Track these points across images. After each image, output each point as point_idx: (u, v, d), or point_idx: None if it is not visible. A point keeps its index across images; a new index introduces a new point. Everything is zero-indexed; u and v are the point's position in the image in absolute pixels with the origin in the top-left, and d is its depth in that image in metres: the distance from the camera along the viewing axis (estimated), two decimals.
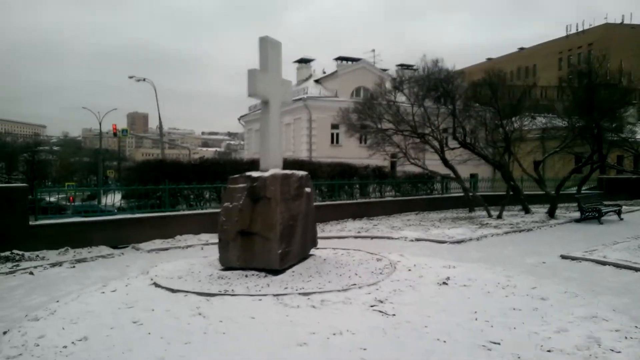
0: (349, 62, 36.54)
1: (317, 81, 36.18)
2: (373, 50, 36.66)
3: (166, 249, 11.12)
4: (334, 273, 7.65)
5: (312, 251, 9.06)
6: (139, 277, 7.78)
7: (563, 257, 9.77)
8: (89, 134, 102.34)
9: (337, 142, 34.20)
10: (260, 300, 6.20)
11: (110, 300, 6.35)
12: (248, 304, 6.05)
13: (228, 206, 7.94)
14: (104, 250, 10.81)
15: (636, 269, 8.40)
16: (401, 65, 39.86)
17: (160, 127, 39.75)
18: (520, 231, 13.50)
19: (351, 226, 14.34)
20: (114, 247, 11.21)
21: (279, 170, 8.00)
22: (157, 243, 11.65)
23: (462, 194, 19.75)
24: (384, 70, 36.44)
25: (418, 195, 19.65)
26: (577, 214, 16.91)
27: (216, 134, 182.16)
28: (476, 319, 5.40)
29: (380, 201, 18.06)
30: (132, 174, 14.76)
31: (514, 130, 16.26)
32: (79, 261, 9.81)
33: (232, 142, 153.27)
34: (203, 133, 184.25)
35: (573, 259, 9.56)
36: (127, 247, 11.39)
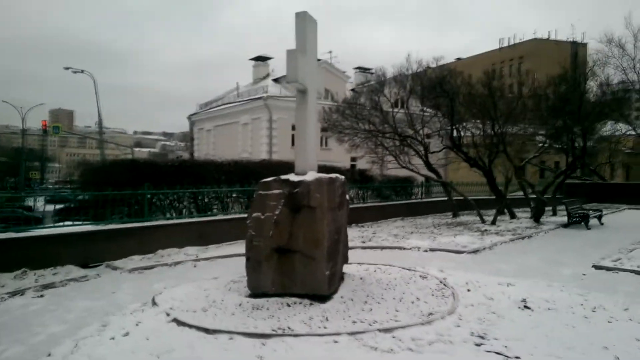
0: None
1: (276, 80, 34.63)
2: (330, 52, 35.65)
3: (150, 268, 9.28)
4: (389, 297, 6.41)
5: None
6: (147, 310, 6.07)
7: (596, 267, 9.18)
8: (6, 130, 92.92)
9: None
10: (336, 342, 4.82)
11: (130, 350, 4.68)
12: (323, 349, 4.67)
13: (259, 217, 6.45)
14: (73, 271, 8.80)
15: None
16: (359, 68, 39.35)
17: (100, 124, 36.30)
18: (522, 238, 12.97)
19: (349, 235, 13.08)
20: (84, 266, 9.20)
21: (322, 174, 6.63)
22: (137, 260, 9.76)
23: (443, 199, 19.22)
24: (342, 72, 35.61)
25: (399, 200, 18.82)
26: (558, 219, 16.88)
27: (150, 133, 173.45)
28: (619, 358, 4.41)
29: (364, 207, 17.00)
30: (95, 176, 12.53)
31: (505, 135, 15.85)
32: (45, 287, 7.79)
33: (167, 143, 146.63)
34: (136, 132, 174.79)
35: (608, 269, 8.99)
36: (99, 265, 9.42)
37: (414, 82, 16.74)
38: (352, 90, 36.00)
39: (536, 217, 16.18)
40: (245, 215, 12.48)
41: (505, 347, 4.71)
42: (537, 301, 6.32)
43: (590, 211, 15.70)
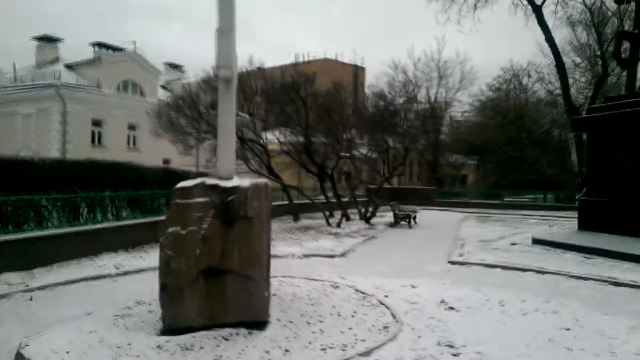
0: (111, 51, 31.17)
1: (69, 67, 29.44)
2: (134, 42, 31.88)
3: (43, 287, 6.59)
4: (326, 314, 5.88)
5: None
6: None
7: (451, 263, 10.31)
8: None
9: (100, 142, 28.66)
10: None
11: None
12: None
13: (178, 233, 5.13)
14: None
15: (522, 269, 9.47)
16: (170, 64, 36.73)
17: None
18: (370, 239, 13.85)
19: None
20: None
21: (251, 179, 5.67)
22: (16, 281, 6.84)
23: (280, 203, 19.20)
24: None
25: None
26: (381, 220, 18.65)
27: None
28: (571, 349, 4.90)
29: None
30: None
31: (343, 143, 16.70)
32: None
33: None
34: None
35: (461, 264, 10.19)
36: None
37: (265, 83, 16.25)
38: (163, 86, 33.33)
39: (367, 219, 17.53)
40: (77, 228, 10.08)
41: (479, 352, 4.74)
42: (452, 301, 6.62)
43: (410, 212, 17.77)
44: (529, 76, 39.40)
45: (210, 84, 16.22)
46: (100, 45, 31.26)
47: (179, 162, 24.69)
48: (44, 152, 26.49)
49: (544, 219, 20.97)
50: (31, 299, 7.06)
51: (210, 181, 5.37)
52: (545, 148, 39.08)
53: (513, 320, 5.89)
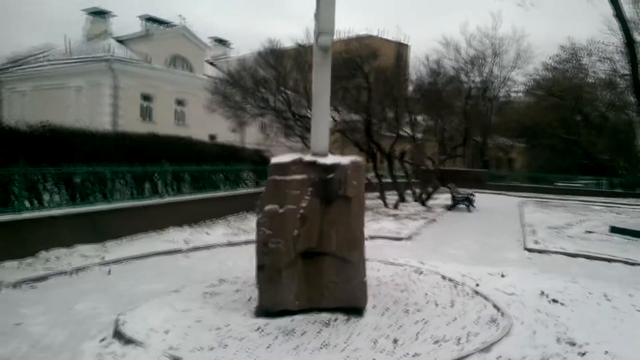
0: (160, 25, 31.23)
1: (120, 41, 29.69)
2: (181, 16, 31.74)
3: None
4: (421, 302, 5.52)
5: None
6: (128, 353, 3.99)
7: (529, 250, 9.70)
8: None
9: (150, 117, 28.95)
10: None
11: None
12: None
13: (275, 211, 4.82)
14: None
15: (608, 260, 8.78)
16: (216, 39, 36.59)
17: None
18: (431, 221, 13.36)
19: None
20: None
21: (348, 157, 5.30)
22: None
23: None
24: None
25: None
26: (437, 202, 18.05)
27: None
28: None
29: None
30: None
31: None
32: None
33: None
34: None
35: (540, 252, 9.55)
36: None
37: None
38: (210, 62, 33.32)
39: (423, 201, 16.98)
40: (145, 202, 10.02)
41: (607, 352, 4.27)
42: (552, 293, 6.08)
43: (469, 195, 17.03)
44: (590, 55, 36.99)
45: (266, 58, 15.87)
46: (149, 19, 31.34)
47: (225, 138, 24.69)
48: (95, 125, 27.06)
49: (607, 206, 19.85)
50: (109, 273, 7.02)
51: (307, 157, 5.03)
52: (601, 132, 37.02)
53: (629, 317, 5.35)
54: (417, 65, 22.19)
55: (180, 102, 30.18)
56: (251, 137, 27.72)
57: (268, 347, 4.13)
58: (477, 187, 26.06)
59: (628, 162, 31.78)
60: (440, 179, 20.44)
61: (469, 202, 16.55)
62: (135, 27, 31.75)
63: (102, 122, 27.16)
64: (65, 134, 10.48)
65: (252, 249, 8.67)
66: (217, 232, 10.28)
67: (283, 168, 4.91)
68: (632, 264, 8.44)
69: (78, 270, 7.02)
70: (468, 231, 12.07)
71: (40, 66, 30.65)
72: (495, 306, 5.37)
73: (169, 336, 4.26)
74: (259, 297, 4.91)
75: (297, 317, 4.75)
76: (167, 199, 10.75)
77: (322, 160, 4.99)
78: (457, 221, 13.90)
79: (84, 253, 7.78)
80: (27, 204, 7.90)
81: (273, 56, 16.48)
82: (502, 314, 5.11)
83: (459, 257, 8.65)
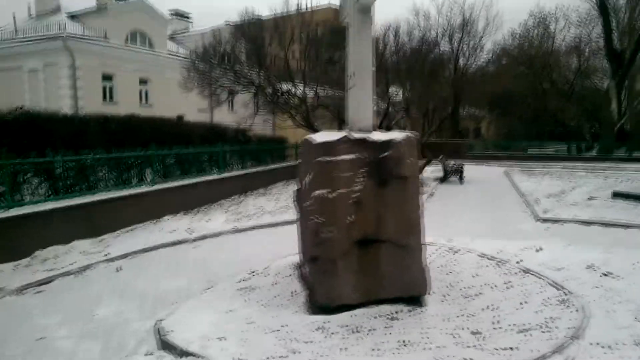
0: None
1: (73, 16, 27.56)
2: None
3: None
4: (476, 284, 5.16)
5: None
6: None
7: (543, 220, 9.53)
8: None
9: (112, 98, 27.28)
10: None
11: None
12: None
13: (326, 196, 4.30)
14: None
15: (624, 226, 8.72)
16: (176, 12, 34.70)
17: None
18: (430, 195, 13.15)
19: (273, 207, 11.00)
20: None
21: (399, 132, 4.79)
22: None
23: None
24: None
25: (276, 164, 16.89)
26: (426, 175, 17.82)
27: None
28: None
29: (253, 172, 14.62)
30: None
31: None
32: None
33: None
34: None
35: (554, 221, 9.37)
36: None
37: (302, 28, 14.83)
38: (171, 37, 31.60)
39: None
40: (137, 190, 9.15)
41: None
42: (600, 266, 5.80)
43: (459, 167, 16.83)
44: (557, 21, 37.43)
45: (245, 31, 14.93)
46: None
47: (193, 119, 23.64)
48: (53, 109, 25.26)
49: (591, 172, 20.09)
50: (118, 270, 6.33)
51: (355, 135, 4.49)
52: (569, 99, 37.82)
53: None
54: (389, 34, 21.63)
55: (143, 81, 28.57)
56: (221, 116, 26.53)
57: (344, 350, 3.67)
58: (457, 157, 26.13)
59: (603, 127, 32.57)
60: (420, 151, 20.21)
61: (460, 174, 16.41)
62: (90, 1, 29.62)
63: (62, 105, 25.43)
64: (43, 119, 9.48)
65: (261, 236, 8.38)
66: (217, 218, 9.62)
67: (330, 148, 4.35)
68: None
69: (83, 269, 6.30)
70: (470, 203, 11.90)
71: None
72: (554, 285, 5.07)
73: (228, 344, 3.73)
74: (313, 291, 4.42)
75: (358, 312, 4.30)
76: (158, 186, 9.96)
77: (373, 137, 4.46)
78: (455, 194, 13.72)
79: (84, 249, 7.04)
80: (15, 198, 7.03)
81: (251, 28, 15.55)
82: (567, 293, 4.81)
83: (479, 232, 8.35)
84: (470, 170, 20.63)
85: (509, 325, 4.08)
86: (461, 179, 16.36)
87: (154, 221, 9.17)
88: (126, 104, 26.02)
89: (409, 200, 4.50)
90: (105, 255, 6.85)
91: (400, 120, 18.09)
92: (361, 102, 4.80)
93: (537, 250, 6.69)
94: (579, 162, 25.76)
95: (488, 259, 6.17)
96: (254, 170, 14.51)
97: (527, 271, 5.59)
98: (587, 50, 35.77)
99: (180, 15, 35.39)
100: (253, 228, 8.91)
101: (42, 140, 8.65)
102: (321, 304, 4.34)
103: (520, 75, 38.25)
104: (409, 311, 4.39)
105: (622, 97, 26.01)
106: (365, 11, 4.69)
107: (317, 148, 4.40)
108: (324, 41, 15.19)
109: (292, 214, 9.91)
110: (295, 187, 5.35)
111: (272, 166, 15.90)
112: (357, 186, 4.34)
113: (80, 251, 6.95)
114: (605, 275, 5.53)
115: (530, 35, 39.63)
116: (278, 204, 11.30)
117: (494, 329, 4.02)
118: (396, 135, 4.52)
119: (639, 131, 32.84)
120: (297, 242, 5.38)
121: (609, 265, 5.86)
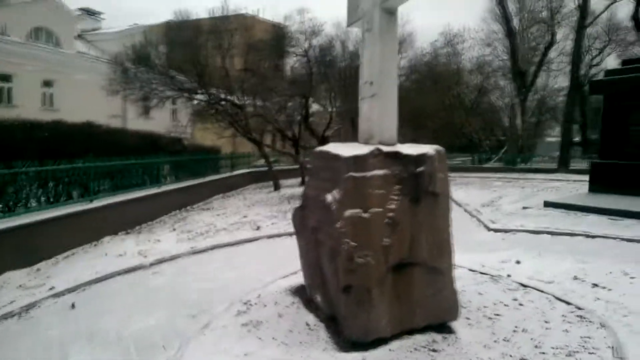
0: None
1: None
2: None
3: (74, 289, 4.64)
4: (499, 310, 5.03)
5: None
6: None
7: (494, 230, 9.88)
8: None
9: (9, 100, 24.15)
10: None
11: None
12: None
13: (359, 216, 3.88)
14: None
15: (570, 234, 9.27)
16: (85, 10, 31.82)
17: None
18: None
19: (231, 222, 10.12)
20: None
21: (428, 146, 4.50)
22: (31, 283, 4.78)
23: (244, 171, 17.62)
24: None
25: (211, 176, 15.79)
26: None
27: None
28: None
29: (189, 185, 13.49)
30: None
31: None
32: None
33: None
34: None
35: (505, 231, 9.73)
36: None
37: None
38: (79, 36, 28.86)
39: None
40: (73, 209, 7.76)
41: None
42: (582, 276, 6.02)
43: None
44: (463, 42, 40.32)
45: (179, 30, 13.91)
46: None
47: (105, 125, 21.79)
48: None
49: (506, 181, 21.55)
50: (73, 307, 5.27)
51: (385, 148, 4.13)
52: (473, 113, 40.86)
53: None
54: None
55: (47, 83, 25.65)
56: (137, 123, 24.61)
57: None
58: None
59: (508, 140, 35.41)
60: None
61: None
62: None
63: None
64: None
65: (224, 256, 7.62)
66: (166, 238, 8.63)
67: (363, 162, 3.94)
68: (593, 237, 9.01)
69: (26, 308, 5.14)
70: None
71: None
72: (560, 299, 5.10)
73: None
74: (346, 325, 3.93)
75: (394, 346, 3.91)
76: (97, 203, 8.70)
77: (405, 150, 4.13)
78: None
79: (21, 283, 5.83)
80: None
81: (186, 29, 14.52)
82: (578, 308, 4.83)
83: None
84: None
85: (552, 348, 3.94)
86: None
87: (93, 244, 7.99)
88: (26, 108, 23.09)
89: (440, 218, 4.22)
90: (50, 289, 5.71)
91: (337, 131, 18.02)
92: (384, 111, 4.44)
93: (517, 263, 6.81)
94: (489, 172, 27.72)
95: (480, 274, 6.12)
96: (189, 183, 13.45)
97: (525, 286, 5.59)
98: (489, 69, 39.09)
99: (91, 13, 32.49)
100: (213, 248, 8.10)
101: None
102: (357, 339, 3.88)
103: (430, 91, 40.60)
104: (444, 339, 4.09)
105: (524, 113, 28.50)
106: (392, 12, 4.36)
107: (347, 162, 3.96)
108: (264, 48, 14.63)
109: (248, 231, 9.29)
110: (296, 205, 4.84)
111: (208, 178, 14.88)
112: (392, 205, 3.97)
113: (16, 285, 5.73)
114: (595, 286, 5.69)
115: (439, 53, 42.35)
116: (228, 220, 10.49)
117: (541, 353, 3.85)
118: (428, 148, 4.23)
119: (534, 144, 36.50)
120: (273, 264, 4.87)
121: (589, 276, 6.08)
